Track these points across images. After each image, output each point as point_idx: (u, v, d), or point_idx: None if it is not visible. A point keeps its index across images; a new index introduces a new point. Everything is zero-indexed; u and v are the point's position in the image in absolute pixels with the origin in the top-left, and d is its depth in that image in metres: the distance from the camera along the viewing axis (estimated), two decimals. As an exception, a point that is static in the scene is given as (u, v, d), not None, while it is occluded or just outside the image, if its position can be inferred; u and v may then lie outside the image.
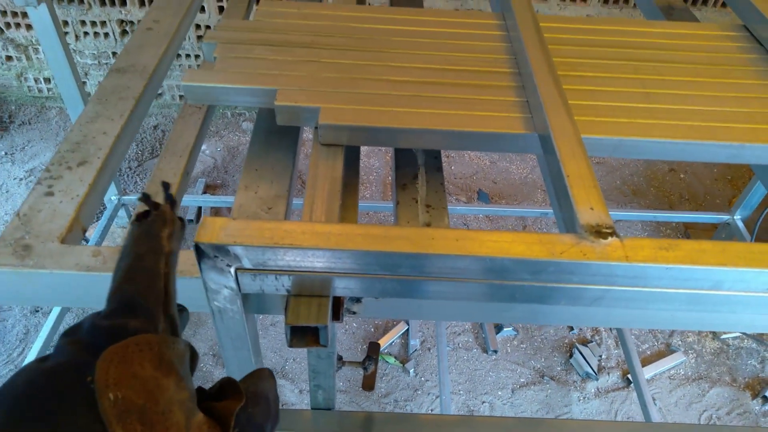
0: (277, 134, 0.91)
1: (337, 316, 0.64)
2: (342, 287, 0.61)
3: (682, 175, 3.02)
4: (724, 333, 2.31)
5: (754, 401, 2.12)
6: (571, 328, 2.35)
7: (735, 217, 2.42)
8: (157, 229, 0.49)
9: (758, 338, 2.28)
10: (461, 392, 2.20)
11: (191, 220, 2.66)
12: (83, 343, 0.39)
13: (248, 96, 0.84)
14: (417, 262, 0.57)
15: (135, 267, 0.45)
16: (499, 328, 2.34)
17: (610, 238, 0.59)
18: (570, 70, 0.90)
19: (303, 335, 0.61)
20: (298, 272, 0.58)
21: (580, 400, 2.19)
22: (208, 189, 2.93)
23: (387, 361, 2.24)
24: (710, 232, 2.63)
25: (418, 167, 0.88)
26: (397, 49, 0.94)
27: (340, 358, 0.79)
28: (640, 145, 0.79)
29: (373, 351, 0.81)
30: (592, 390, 2.20)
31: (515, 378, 2.25)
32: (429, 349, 2.31)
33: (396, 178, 0.86)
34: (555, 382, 2.23)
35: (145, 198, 0.51)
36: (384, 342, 2.29)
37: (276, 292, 0.60)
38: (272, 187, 0.82)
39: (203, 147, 3.19)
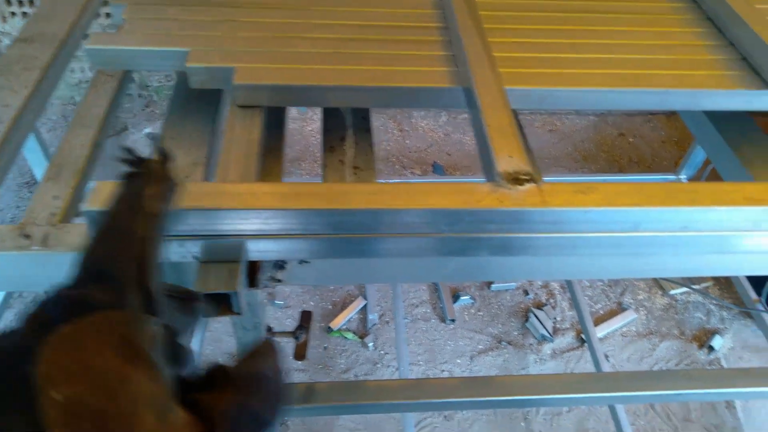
0: (196, 100, 0.86)
1: (253, 282, 0.61)
2: (255, 250, 0.58)
3: (630, 139, 3.08)
4: (673, 288, 2.38)
5: (701, 351, 2.20)
6: (527, 293, 2.38)
7: (680, 177, 2.48)
8: (138, 187, 0.41)
9: (704, 291, 2.37)
10: (420, 363, 2.21)
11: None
12: (39, 319, 0.31)
13: (159, 59, 0.79)
14: (331, 219, 0.54)
15: (108, 227, 0.39)
16: (456, 297, 2.35)
17: (527, 185, 0.57)
18: (498, 23, 0.88)
19: (216, 304, 0.58)
20: (204, 236, 0.55)
21: (536, 362, 2.23)
22: (155, 173, 2.83)
23: (346, 337, 2.23)
24: (658, 192, 2.70)
25: (346, 129, 0.85)
26: (319, 6, 0.90)
27: (269, 329, 0.76)
28: (567, 96, 0.78)
29: (305, 320, 0.78)
30: (548, 352, 2.25)
31: (473, 345, 2.27)
32: (387, 323, 2.30)
33: (323, 141, 0.83)
34: (512, 346, 2.26)
35: (129, 152, 0.44)
36: (342, 318, 2.28)
37: (183, 259, 0.57)
38: (189, 154, 0.77)
39: (148, 130, 3.08)
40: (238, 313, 0.57)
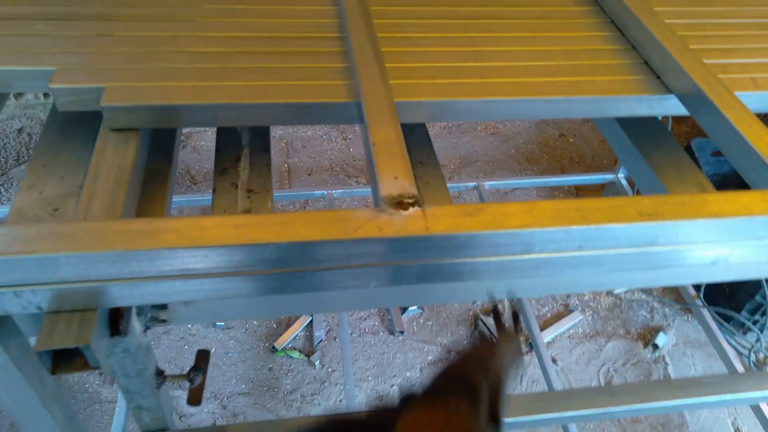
0: (75, 123, 0.79)
1: (116, 330, 0.54)
2: (112, 296, 0.51)
3: (571, 140, 3.11)
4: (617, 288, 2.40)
5: (646, 350, 2.23)
6: (475, 300, 2.36)
7: (619, 176, 2.52)
8: (495, 338, 0.56)
9: (646, 290, 2.39)
10: (369, 378, 2.15)
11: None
12: (398, 408, 0.41)
13: (23, 80, 0.71)
14: (186, 259, 0.48)
15: (470, 354, 0.51)
16: (404, 308, 2.31)
17: (411, 209, 0.53)
18: (398, 31, 0.84)
19: (70, 358, 0.51)
20: (45, 285, 0.48)
21: (487, 370, 2.20)
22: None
23: (291, 356, 2.16)
24: (599, 191, 2.73)
25: (242, 148, 0.79)
26: (209, 17, 0.84)
27: (160, 372, 0.69)
28: (468, 107, 0.74)
29: (201, 360, 0.72)
30: (498, 358, 2.23)
31: (423, 356, 2.23)
32: (335, 338, 2.24)
33: (215, 162, 0.77)
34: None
35: (496, 314, 0.66)
36: (287, 337, 2.20)
37: (24, 311, 0.50)
38: (62, 184, 0.70)
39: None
40: (96, 368, 0.50)
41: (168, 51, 0.76)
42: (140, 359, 0.63)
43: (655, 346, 2.28)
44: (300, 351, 2.24)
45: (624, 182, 2.51)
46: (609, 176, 2.53)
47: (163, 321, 0.65)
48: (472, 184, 2.47)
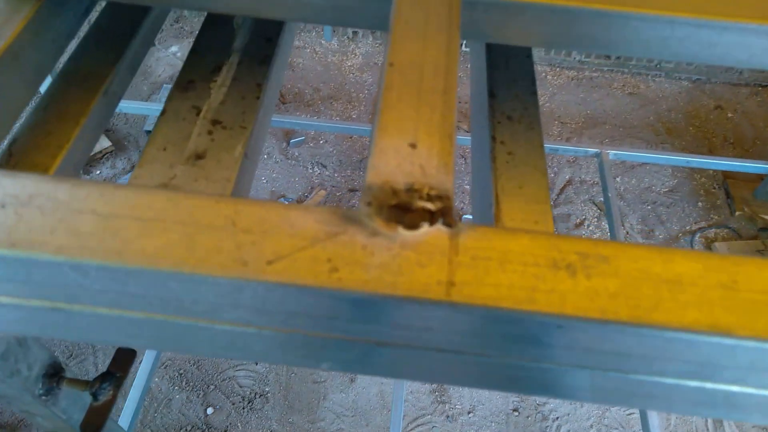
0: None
1: None
2: None
3: (729, 114, 2.51)
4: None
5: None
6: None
7: (787, 168, 1.97)
8: None
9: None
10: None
11: (148, 131, 2.32)
12: None
13: None
14: None
15: None
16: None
17: (427, 227, 0.22)
18: None
19: None
20: None
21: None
22: (173, 97, 2.58)
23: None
24: (754, 183, 2.18)
25: (230, 53, 0.51)
26: None
27: (53, 373, 0.45)
28: (618, 25, 0.39)
29: (119, 365, 0.47)
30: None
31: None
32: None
33: (182, 69, 0.49)
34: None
35: None
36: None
37: None
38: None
39: (174, 49, 2.82)
40: None
41: None
42: (13, 360, 0.40)
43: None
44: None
45: (793, 179, 1.95)
46: (773, 167, 1.98)
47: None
48: (593, 150, 2.03)
